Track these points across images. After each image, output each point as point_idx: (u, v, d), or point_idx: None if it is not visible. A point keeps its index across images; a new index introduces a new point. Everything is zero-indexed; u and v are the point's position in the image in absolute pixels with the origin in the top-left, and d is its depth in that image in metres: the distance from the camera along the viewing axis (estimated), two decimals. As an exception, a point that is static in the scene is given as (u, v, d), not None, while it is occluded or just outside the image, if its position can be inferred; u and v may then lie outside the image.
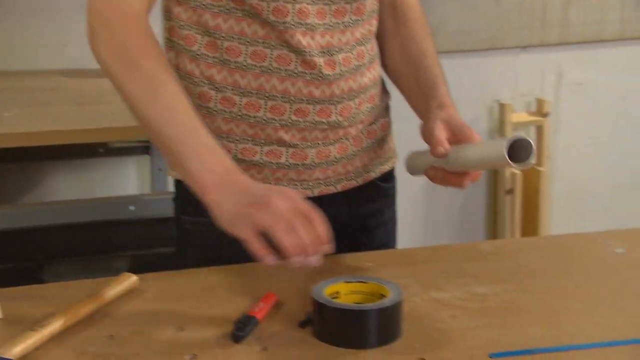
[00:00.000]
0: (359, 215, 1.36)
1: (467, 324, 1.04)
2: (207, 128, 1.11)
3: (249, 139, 1.24)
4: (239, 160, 1.24)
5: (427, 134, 1.20)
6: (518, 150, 1.08)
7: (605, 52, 3.04)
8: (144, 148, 2.70)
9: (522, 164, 1.08)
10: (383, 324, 0.99)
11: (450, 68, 1.38)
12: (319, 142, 1.26)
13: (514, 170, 1.07)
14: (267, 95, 1.22)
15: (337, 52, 1.23)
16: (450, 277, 1.18)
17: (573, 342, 0.99)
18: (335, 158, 1.28)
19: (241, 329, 0.99)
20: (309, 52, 1.21)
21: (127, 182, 2.72)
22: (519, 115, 2.91)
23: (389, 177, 1.40)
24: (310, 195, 1.28)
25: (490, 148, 1.11)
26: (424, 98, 1.27)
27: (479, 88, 2.88)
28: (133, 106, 1.11)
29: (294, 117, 1.23)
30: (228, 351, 0.98)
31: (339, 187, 1.31)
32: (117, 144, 2.64)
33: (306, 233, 0.99)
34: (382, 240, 1.38)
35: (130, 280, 1.11)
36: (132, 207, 2.24)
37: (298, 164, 1.26)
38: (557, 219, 3.06)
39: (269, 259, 1.00)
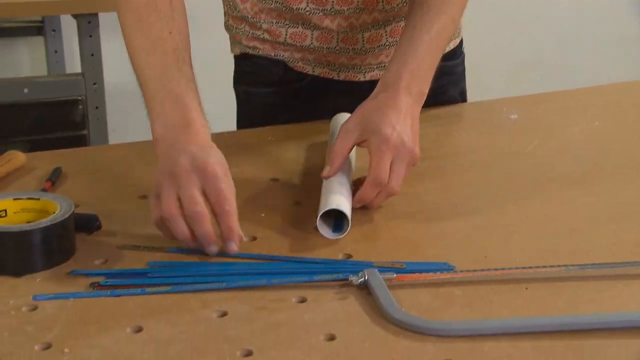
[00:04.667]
0: None
1: (364, 191, 1.06)
2: (187, 76, 0.97)
3: (299, 22, 1.21)
4: (288, 45, 1.23)
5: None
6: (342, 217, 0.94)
7: None
8: (36, 29, 2.59)
9: (335, 233, 0.94)
10: (43, 244, 0.85)
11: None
12: (370, 27, 1.22)
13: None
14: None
15: None
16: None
17: (465, 204, 1.02)
18: (388, 42, 1.24)
19: None
20: None
21: (19, 65, 2.60)
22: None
23: (452, 55, 1.34)
24: (362, 79, 1.26)
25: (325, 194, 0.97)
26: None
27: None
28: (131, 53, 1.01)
29: (337, 7, 1.19)
30: None
31: None
32: (7, 24, 2.52)
33: (203, 228, 0.86)
34: None
35: (16, 157, 1.07)
36: (26, 90, 2.16)
37: (349, 49, 1.23)
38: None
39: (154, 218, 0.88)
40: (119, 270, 0.86)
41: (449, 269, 0.87)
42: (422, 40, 1.04)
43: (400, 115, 0.98)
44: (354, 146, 1.00)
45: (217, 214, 0.86)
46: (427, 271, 0.86)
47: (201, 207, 0.85)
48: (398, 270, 0.86)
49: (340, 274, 0.84)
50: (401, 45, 1.06)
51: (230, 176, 0.90)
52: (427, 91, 1.03)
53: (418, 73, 1.02)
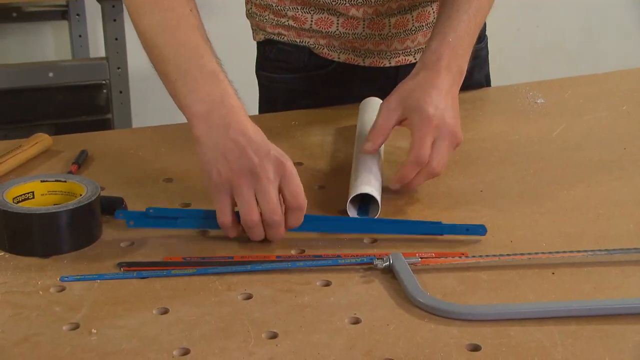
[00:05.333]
0: None
1: (389, 175, 1.05)
2: (215, 54, 0.93)
3: (325, 9, 1.21)
4: (314, 31, 1.22)
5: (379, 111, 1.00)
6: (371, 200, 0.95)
7: None
8: (60, 13, 2.60)
9: (363, 216, 0.94)
10: (70, 227, 0.85)
11: None
12: (395, 12, 1.21)
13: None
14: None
15: None
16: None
17: (490, 189, 1.01)
18: (414, 26, 1.24)
19: None
20: None
21: (44, 49, 2.62)
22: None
23: (477, 39, 1.34)
24: (388, 65, 1.26)
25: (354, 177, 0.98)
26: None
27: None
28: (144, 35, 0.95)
29: None
30: None
31: (418, 57, 1.24)
32: (31, 8, 2.53)
33: (277, 233, 0.86)
34: None
35: (43, 140, 1.08)
36: (50, 74, 2.17)
37: (375, 34, 1.22)
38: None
39: (231, 232, 0.87)
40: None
41: (482, 230, 0.88)
42: (460, 19, 1.03)
43: (441, 94, 0.97)
44: (395, 124, 0.99)
45: (288, 209, 0.85)
46: (461, 232, 0.89)
47: (280, 216, 0.84)
48: (436, 228, 0.88)
49: (364, 257, 0.84)
50: (440, 23, 1.05)
51: None
52: (465, 70, 1.03)
53: (457, 52, 1.01)
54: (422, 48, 1.27)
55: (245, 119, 0.87)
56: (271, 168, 0.84)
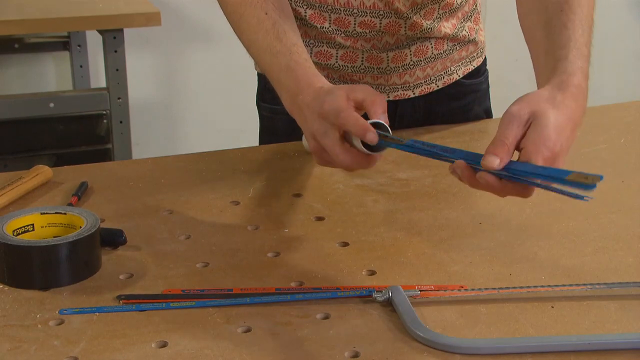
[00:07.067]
0: (442, 114, 1.33)
1: (388, 207, 1.06)
2: (289, 42, 1.02)
3: (324, 41, 1.22)
4: (314, 64, 1.23)
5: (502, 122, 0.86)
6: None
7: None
8: (62, 44, 2.62)
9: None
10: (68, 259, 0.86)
11: None
12: (393, 47, 1.23)
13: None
14: (330, 8, 1.19)
15: None
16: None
17: (489, 221, 1.01)
18: (412, 61, 1.25)
19: None
20: None
21: (45, 79, 2.63)
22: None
23: (476, 73, 1.35)
24: (386, 99, 1.25)
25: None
26: (547, 71, 0.97)
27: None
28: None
29: (358, 29, 1.20)
30: None
31: (417, 92, 1.28)
32: (33, 39, 2.55)
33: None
34: None
35: (43, 172, 1.08)
36: (51, 104, 2.18)
37: (373, 68, 1.24)
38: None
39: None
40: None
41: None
42: (577, 17, 0.99)
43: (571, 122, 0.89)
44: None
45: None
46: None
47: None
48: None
49: (363, 290, 0.84)
50: (568, 39, 0.98)
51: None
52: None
53: (582, 62, 0.96)
54: (421, 83, 1.28)
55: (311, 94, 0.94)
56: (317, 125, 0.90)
